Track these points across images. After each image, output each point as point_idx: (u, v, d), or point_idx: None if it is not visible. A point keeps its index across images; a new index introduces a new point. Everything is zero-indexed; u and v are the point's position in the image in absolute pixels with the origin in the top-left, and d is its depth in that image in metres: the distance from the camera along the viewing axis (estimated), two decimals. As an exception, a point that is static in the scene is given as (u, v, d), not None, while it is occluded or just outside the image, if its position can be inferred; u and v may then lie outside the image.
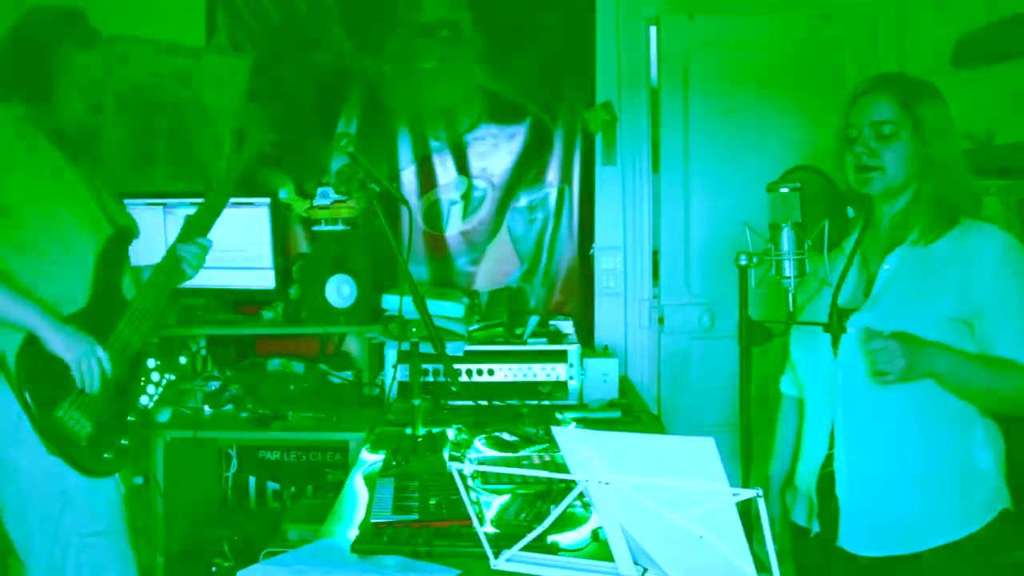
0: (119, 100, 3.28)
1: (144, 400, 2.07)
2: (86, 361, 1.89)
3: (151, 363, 2.08)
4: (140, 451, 2.12)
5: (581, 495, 1.25)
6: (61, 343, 1.86)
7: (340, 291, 3.04)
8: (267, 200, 3.11)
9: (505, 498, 1.82)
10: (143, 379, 2.07)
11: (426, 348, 2.16)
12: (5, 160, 1.92)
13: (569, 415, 2.58)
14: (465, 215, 3.44)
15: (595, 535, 1.63)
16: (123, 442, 2.00)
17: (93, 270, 1.99)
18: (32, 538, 1.91)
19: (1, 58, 1.99)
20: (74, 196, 2.02)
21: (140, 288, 2.08)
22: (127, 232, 2.12)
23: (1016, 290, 1.62)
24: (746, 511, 1.14)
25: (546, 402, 2.71)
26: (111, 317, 2.00)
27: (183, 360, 2.11)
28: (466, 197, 3.43)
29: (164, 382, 2.10)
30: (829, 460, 1.72)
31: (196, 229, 2.17)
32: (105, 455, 1.96)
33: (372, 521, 1.69)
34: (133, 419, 2.04)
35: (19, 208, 1.91)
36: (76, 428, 1.89)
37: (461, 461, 2.08)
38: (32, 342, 1.85)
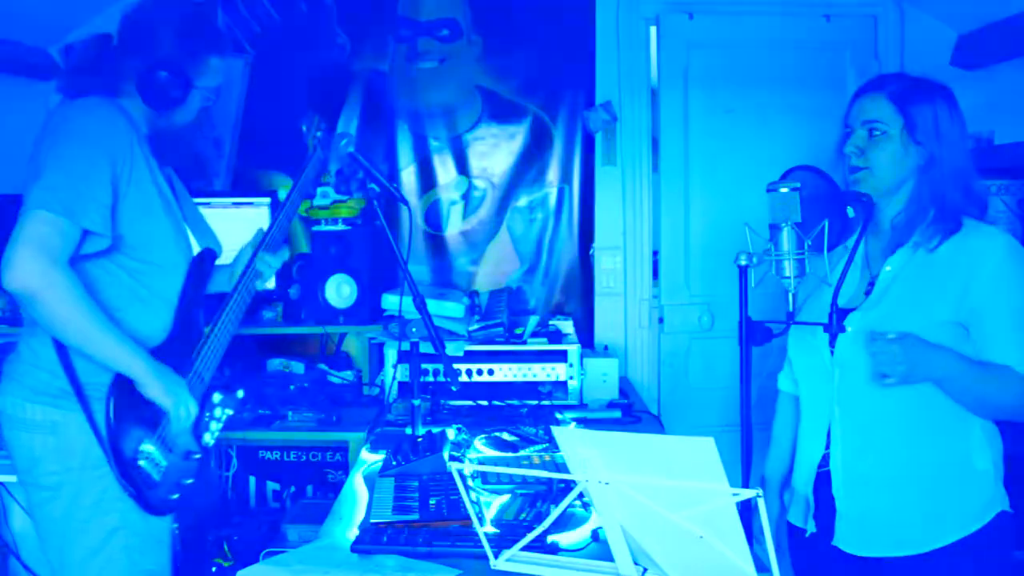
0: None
1: (207, 437, 1.94)
2: (184, 408, 1.79)
3: (215, 397, 1.94)
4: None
5: (581, 495, 1.25)
6: (160, 389, 1.75)
7: (340, 291, 3.04)
8: (267, 200, 3.12)
9: (505, 498, 1.82)
10: (207, 415, 1.94)
11: (426, 348, 2.16)
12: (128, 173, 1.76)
13: (569, 415, 2.58)
14: (465, 215, 3.44)
15: (595, 535, 1.63)
16: (187, 481, 1.88)
17: (179, 295, 1.87)
18: (69, 569, 1.80)
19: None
20: (172, 213, 1.88)
21: (217, 320, 1.94)
22: (211, 254, 1.98)
23: (1015, 295, 1.61)
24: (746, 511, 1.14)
25: (546, 402, 2.71)
26: (188, 345, 1.89)
27: (241, 394, 1.99)
28: (466, 197, 3.43)
29: (224, 417, 1.97)
30: (826, 460, 1.72)
31: (272, 241, 2.06)
32: (172, 496, 1.84)
33: (372, 521, 1.69)
34: (198, 456, 1.91)
35: (135, 232, 1.79)
36: (154, 466, 1.79)
37: (461, 461, 2.08)
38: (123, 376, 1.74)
